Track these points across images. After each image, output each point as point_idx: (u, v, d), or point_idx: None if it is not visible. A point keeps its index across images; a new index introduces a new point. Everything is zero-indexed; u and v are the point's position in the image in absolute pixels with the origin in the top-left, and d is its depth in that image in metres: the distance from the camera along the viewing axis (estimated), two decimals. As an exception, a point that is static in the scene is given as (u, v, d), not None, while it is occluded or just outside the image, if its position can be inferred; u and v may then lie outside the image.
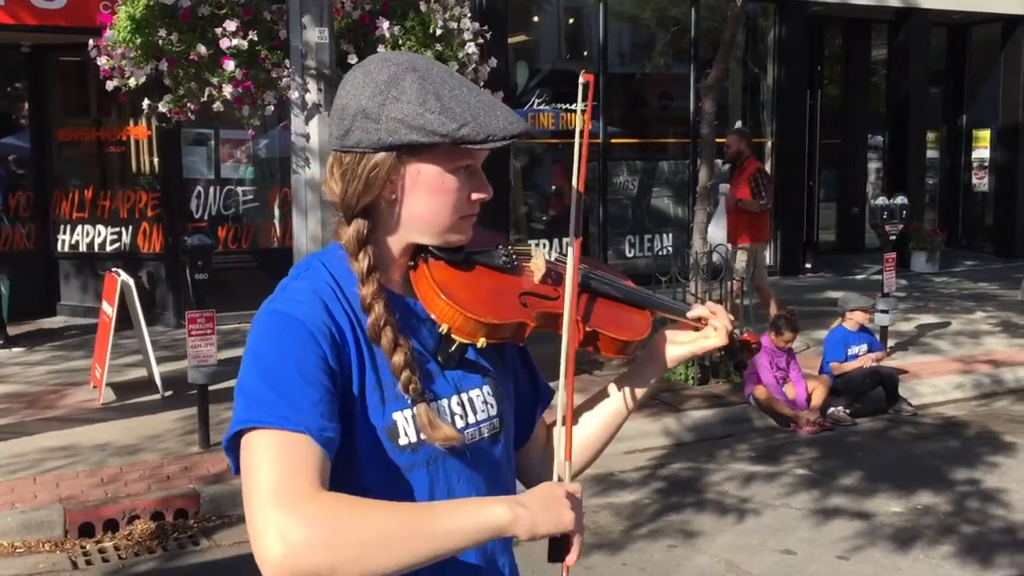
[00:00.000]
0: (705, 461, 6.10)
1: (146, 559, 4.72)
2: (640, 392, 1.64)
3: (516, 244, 1.58)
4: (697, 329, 1.62)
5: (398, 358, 1.38)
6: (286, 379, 1.29)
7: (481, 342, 1.43)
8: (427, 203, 1.42)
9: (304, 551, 1.16)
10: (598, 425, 1.64)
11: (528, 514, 1.27)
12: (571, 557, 1.36)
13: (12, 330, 8.88)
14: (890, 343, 8.53)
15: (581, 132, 1.47)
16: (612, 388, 1.65)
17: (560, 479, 1.41)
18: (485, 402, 1.50)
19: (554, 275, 1.55)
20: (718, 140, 8.70)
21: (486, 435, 1.50)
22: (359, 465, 1.38)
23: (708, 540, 4.87)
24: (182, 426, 6.25)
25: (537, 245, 1.58)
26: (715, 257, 7.73)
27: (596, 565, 4.58)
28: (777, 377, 6.88)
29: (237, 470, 1.32)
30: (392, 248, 1.46)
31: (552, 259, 1.58)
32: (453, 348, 1.46)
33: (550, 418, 1.63)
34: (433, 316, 1.44)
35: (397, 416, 1.39)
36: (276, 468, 1.23)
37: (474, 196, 1.45)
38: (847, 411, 6.95)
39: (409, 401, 1.40)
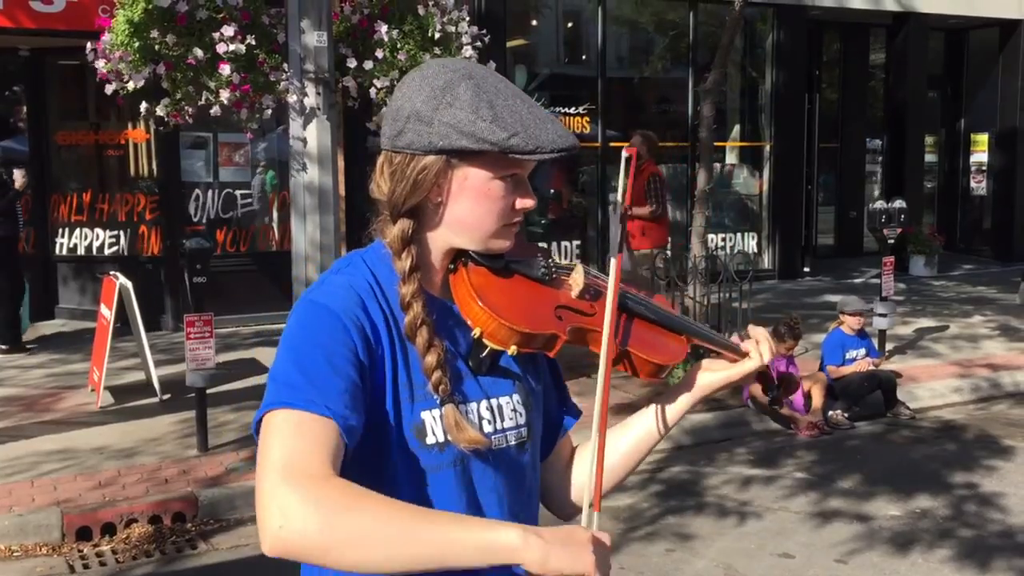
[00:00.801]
0: (703, 464, 6.09)
1: (143, 563, 4.71)
2: (672, 418, 1.63)
3: (556, 261, 1.59)
4: (734, 361, 1.61)
5: (431, 358, 1.40)
6: (315, 365, 1.31)
7: (512, 349, 1.44)
8: (472, 208, 1.44)
9: (300, 530, 1.17)
10: (627, 450, 1.63)
11: (543, 545, 1.19)
12: None
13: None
14: (888, 347, 8.54)
15: (623, 204, 1.51)
16: (644, 413, 1.64)
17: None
18: (514, 410, 1.51)
19: (592, 291, 1.55)
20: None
21: (513, 443, 1.51)
22: (389, 462, 1.40)
23: (706, 544, 4.87)
24: (180, 429, 6.25)
25: (576, 260, 1.59)
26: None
27: (594, 569, 4.57)
28: (776, 380, 6.88)
29: None
30: (435, 250, 1.49)
31: (592, 276, 1.59)
32: (484, 353, 1.47)
33: (576, 439, 1.65)
34: (468, 320, 1.45)
35: (425, 415, 1.41)
36: (291, 444, 1.24)
37: (519, 204, 1.47)
38: (845, 415, 6.95)
39: (438, 401, 1.41)
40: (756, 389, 6.74)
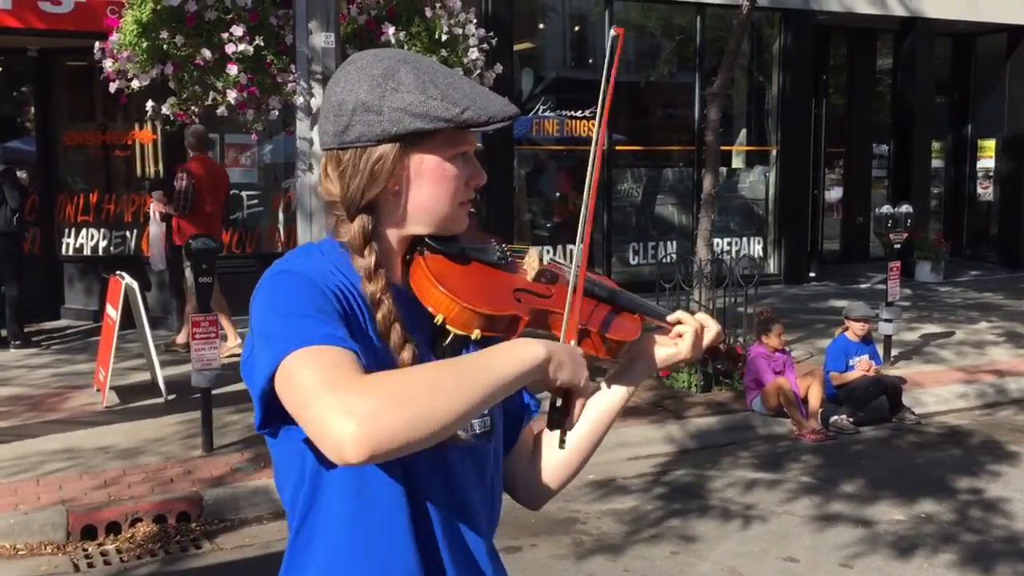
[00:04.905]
0: (708, 468, 6.09)
1: (148, 562, 4.72)
2: (630, 389, 1.64)
3: (511, 245, 1.60)
4: (680, 335, 1.62)
5: (407, 355, 1.39)
6: (307, 313, 1.30)
7: (476, 334, 1.43)
8: (430, 192, 1.44)
9: (376, 417, 1.16)
10: (592, 423, 1.63)
11: (557, 356, 1.34)
12: (573, 419, 1.43)
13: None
14: (894, 352, 8.53)
15: (606, 92, 1.49)
16: (602, 389, 1.66)
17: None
18: None
19: (548, 274, 1.57)
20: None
21: (477, 431, 1.51)
22: None
23: (710, 547, 4.86)
24: (184, 429, 6.26)
25: (532, 246, 1.60)
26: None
27: (598, 571, 4.57)
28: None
29: (262, 423, 1.35)
30: (393, 241, 1.49)
31: (547, 260, 1.60)
32: (448, 341, 1.48)
33: (537, 427, 1.67)
34: (429, 307, 1.44)
35: None
36: (320, 368, 1.22)
37: (471, 182, 1.48)
38: (851, 419, 6.94)
39: None
40: (771, 392, 6.73)
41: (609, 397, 1.64)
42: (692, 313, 1.66)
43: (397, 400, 1.18)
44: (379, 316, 1.40)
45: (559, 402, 1.42)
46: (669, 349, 1.62)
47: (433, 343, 1.48)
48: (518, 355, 1.30)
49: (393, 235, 1.48)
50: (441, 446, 1.40)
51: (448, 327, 1.44)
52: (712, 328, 1.62)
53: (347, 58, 1.48)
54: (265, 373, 1.28)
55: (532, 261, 1.57)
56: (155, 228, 8.58)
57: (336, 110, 1.42)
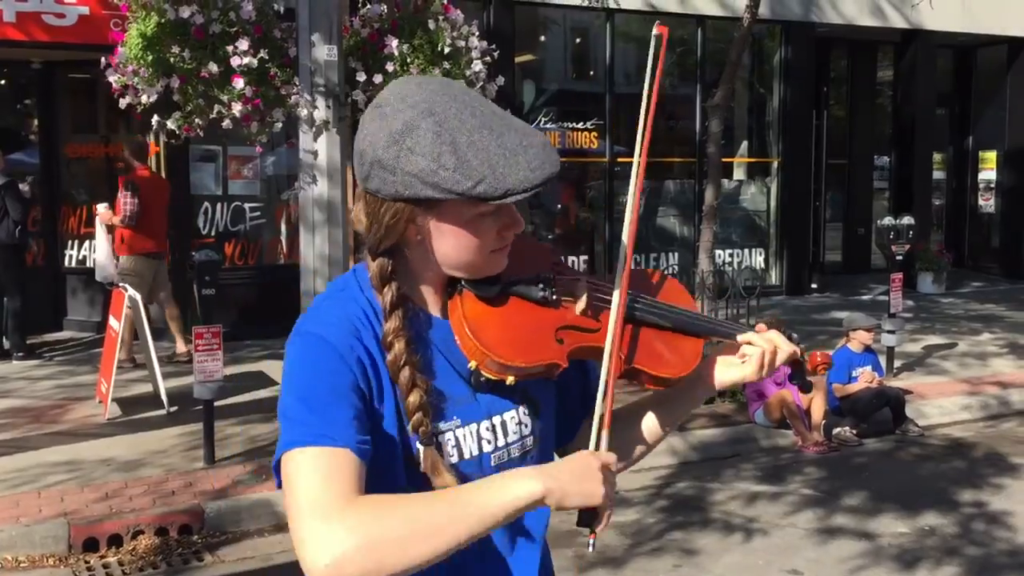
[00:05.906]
0: (710, 480, 6.08)
1: (150, 574, 4.71)
2: (686, 412, 1.65)
3: (561, 269, 1.53)
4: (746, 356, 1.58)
5: (413, 398, 1.38)
6: (320, 398, 1.33)
7: (510, 380, 1.41)
8: (453, 246, 1.41)
9: (349, 558, 1.21)
10: (643, 435, 1.64)
11: (558, 487, 1.29)
12: (600, 527, 1.39)
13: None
14: (897, 364, 8.52)
15: (649, 95, 1.46)
16: (657, 401, 1.64)
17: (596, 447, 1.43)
18: (520, 423, 1.51)
19: (595, 306, 1.50)
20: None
21: (516, 455, 1.51)
22: (396, 486, 1.39)
23: (713, 559, 4.85)
24: (187, 441, 6.25)
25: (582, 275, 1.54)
26: None
27: (600, 584, 4.57)
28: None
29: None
30: (428, 279, 1.47)
31: (597, 286, 1.52)
32: (484, 379, 1.45)
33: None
34: (463, 350, 1.42)
35: (421, 447, 1.41)
36: (314, 481, 1.28)
37: (504, 232, 1.42)
38: (854, 431, 6.93)
39: (419, 439, 1.41)
40: (774, 404, 6.71)
41: (663, 413, 1.63)
42: (760, 332, 1.59)
43: (373, 544, 1.22)
44: (389, 359, 1.39)
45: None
46: (733, 371, 1.58)
47: (472, 374, 1.45)
48: (512, 492, 1.28)
49: (424, 275, 1.46)
50: (468, 480, 1.42)
51: (481, 373, 1.42)
52: (784, 349, 1.56)
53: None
54: (278, 454, 1.34)
55: (581, 295, 1.50)
56: (101, 240, 8.59)
57: (359, 157, 1.39)
